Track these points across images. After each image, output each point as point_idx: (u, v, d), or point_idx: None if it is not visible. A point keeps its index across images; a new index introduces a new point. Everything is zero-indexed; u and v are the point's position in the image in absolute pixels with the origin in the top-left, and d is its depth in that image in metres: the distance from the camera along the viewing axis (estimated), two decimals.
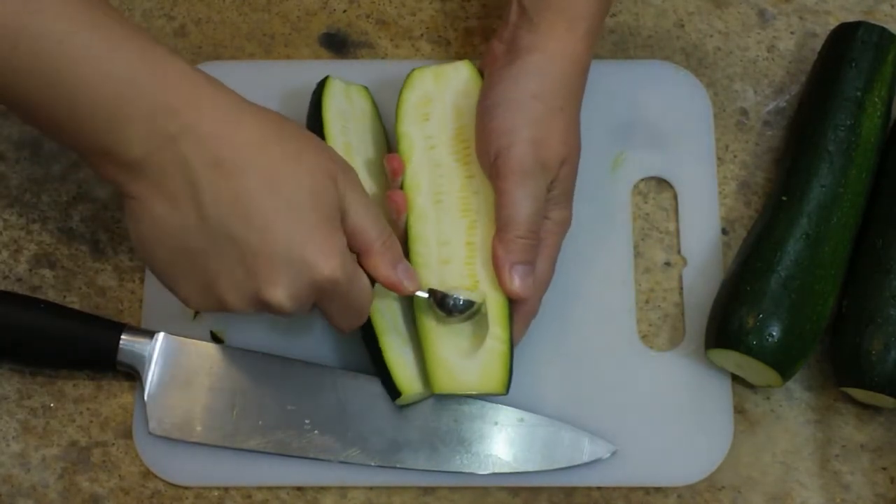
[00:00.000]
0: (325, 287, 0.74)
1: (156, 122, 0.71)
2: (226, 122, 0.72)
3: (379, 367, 0.83)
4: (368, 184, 0.86)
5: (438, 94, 0.88)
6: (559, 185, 0.83)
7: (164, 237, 0.73)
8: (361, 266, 0.77)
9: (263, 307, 0.74)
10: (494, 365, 0.81)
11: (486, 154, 0.82)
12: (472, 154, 0.85)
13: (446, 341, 0.82)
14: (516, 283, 0.81)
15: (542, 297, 0.84)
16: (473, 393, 0.82)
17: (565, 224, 0.85)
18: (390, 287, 0.79)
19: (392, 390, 0.83)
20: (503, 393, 0.81)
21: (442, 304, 0.82)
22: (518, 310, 0.83)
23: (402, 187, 0.85)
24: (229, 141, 0.72)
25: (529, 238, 0.81)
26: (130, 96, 0.70)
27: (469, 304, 0.82)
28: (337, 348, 0.87)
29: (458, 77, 0.88)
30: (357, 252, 0.77)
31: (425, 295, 0.82)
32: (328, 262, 0.73)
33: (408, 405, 0.85)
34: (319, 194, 0.73)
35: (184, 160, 0.71)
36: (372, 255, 0.78)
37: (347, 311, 0.78)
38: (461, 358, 0.81)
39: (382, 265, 0.78)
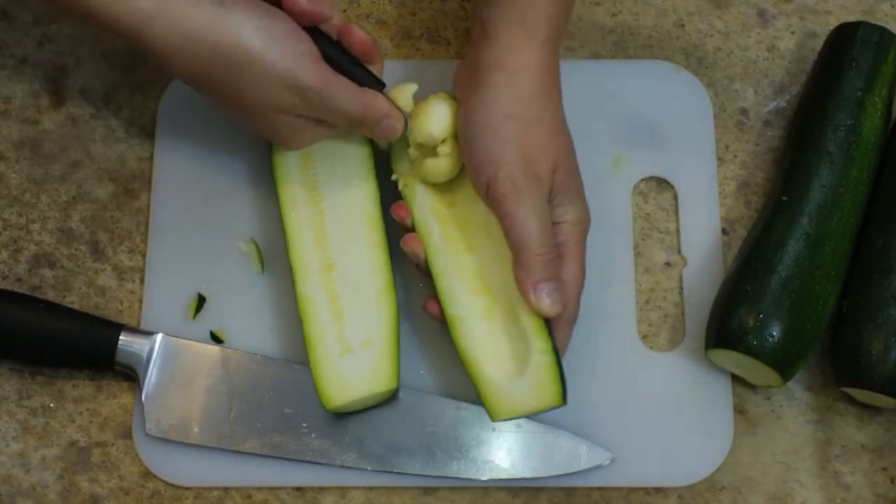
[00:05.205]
0: None
1: None
2: None
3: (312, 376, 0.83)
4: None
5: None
6: (559, 189, 0.82)
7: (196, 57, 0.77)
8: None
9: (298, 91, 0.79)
10: (545, 378, 0.80)
11: (479, 186, 0.81)
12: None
13: (491, 369, 0.81)
14: (544, 301, 0.79)
15: (578, 298, 0.83)
16: (533, 413, 0.80)
17: (582, 222, 0.83)
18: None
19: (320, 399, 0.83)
20: (562, 405, 0.80)
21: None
22: (557, 317, 0.81)
23: (413, 229, 0.85)
24: None
25: (544, 253, 0.79)
26: None
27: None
28: None
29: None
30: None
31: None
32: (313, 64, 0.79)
33: (345, 413, 0.84)
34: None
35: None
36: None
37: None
38: (511, 380, 0.80)
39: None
